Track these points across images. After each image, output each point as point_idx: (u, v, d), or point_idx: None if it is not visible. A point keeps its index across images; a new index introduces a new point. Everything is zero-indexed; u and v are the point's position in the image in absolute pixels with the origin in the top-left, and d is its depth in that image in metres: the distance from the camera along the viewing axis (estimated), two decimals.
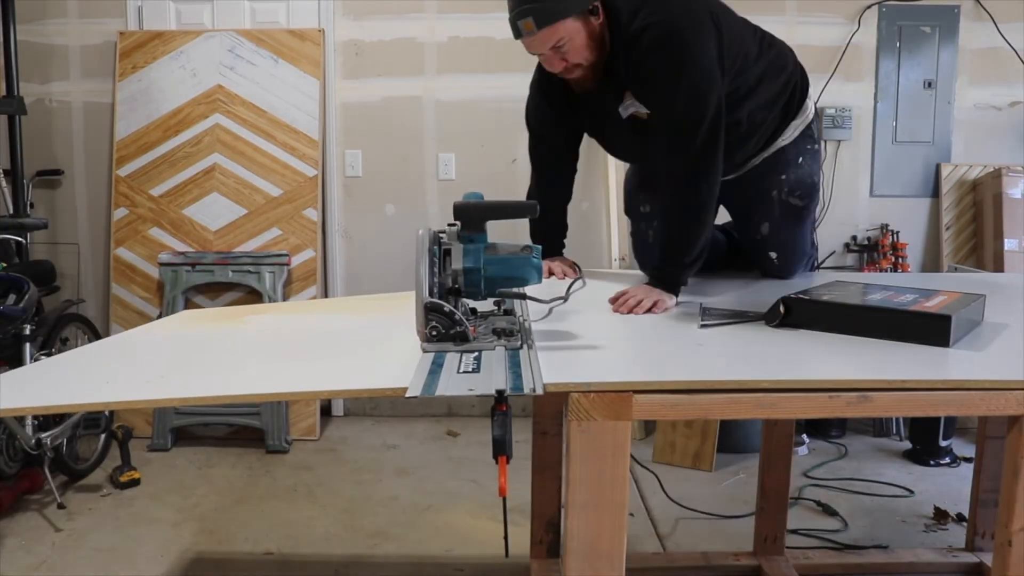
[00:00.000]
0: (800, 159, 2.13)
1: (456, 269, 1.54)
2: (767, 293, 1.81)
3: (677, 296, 1.84)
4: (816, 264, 2.44)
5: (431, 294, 1.50)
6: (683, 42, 1.83)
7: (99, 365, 1.72)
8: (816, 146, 2.17)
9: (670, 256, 1.88)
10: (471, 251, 1.56)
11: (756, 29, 2.08)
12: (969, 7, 3.87)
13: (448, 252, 1.56)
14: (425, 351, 1.48)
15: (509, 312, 1.72)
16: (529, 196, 2.19)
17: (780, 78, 2.06)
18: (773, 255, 2.18)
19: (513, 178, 3.85)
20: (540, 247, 1.61)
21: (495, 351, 1.48)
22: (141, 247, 3.80)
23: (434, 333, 1.49)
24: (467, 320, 1.52)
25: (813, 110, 2.17)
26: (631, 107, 1.96)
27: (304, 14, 3.91)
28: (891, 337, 1.49)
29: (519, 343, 1.50)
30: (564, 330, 1.61)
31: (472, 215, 1.56)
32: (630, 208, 2.35)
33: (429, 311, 1.48)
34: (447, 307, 1.49)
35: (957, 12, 3.87)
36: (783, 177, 2.12)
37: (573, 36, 1.84)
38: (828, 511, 2.93)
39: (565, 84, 2.01)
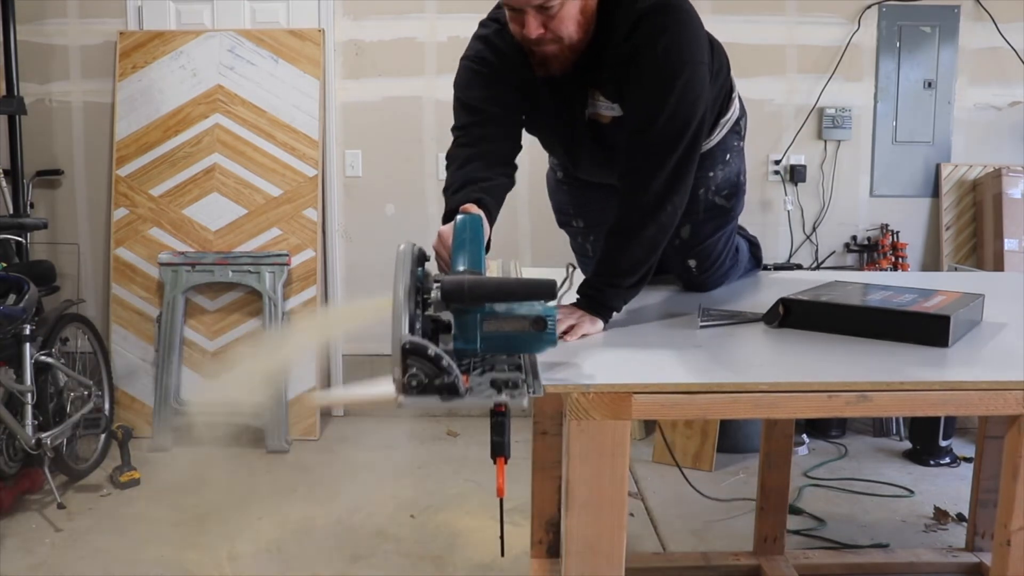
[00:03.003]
0: (728, 156, 1.94)
1: (448, 349, 1.20)
2: (766, 294, 1.81)
3: (606, 321, 1.58)
4: (759, 265, 2.24)
5: (412, 330, 1.17)
6: (691, 35, 1.58)
7: None
8: (741, 143, 1.97)
9: (610, 276, 1.59)
10: (464, 328, 1.22)
11: None
12: (969, 7, 3.87)
13: (432, 309, 1.24)
14: (400, 405, 1.16)
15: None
16: (448, 188, 1.67)
17: (719, 78, 1.84)
18: (692, 263, 1.95)
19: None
20: (555, 310, 1.26)
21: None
22: (141, 247, 3.80)
23: (414, 383, 1.14)
24: (457, 367, 1.14)
25: (739, 105, 1.97)
26: (592, 107, 1.69)
27: (304, 14, 3.91)
28: (890, 337, 1.49)
29: (524, 399, 1.15)
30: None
31: (467, 298, 1.20)
32: (563, 223, 2.14)
33: (408, 354, 1.14)
34: (432, 350, 1.13)
35: (957, 12, 3.87)
36: (711, 174, 1.90)
37: (567, 1, 1.53)
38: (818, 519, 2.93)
39: (524, 58, 1.65)
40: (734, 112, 1.97)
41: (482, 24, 1.76)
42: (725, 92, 1.91)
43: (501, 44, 1.68)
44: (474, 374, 1.23)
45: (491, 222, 1.59)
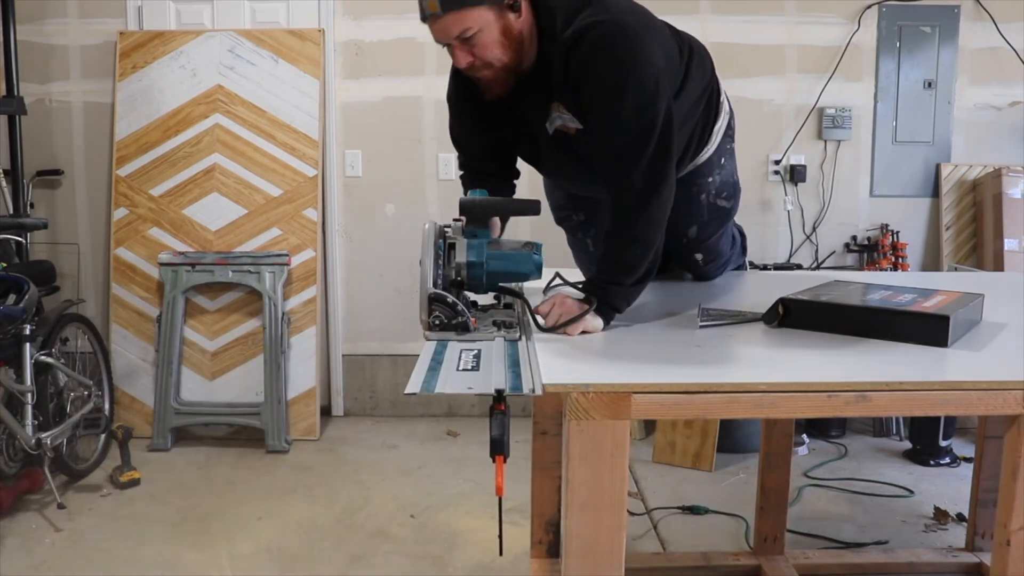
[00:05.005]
0: (723, 159, 2.03)
1: (460, 263, 1.60)
2: (765, 293, 1.81)
3: (609, 321, 1.60)
4: (744, 253, 2.36)
5: (435, 285, 1.56)
6: (630, 41, 1.59)
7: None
8: (733, 144, 2.08)
9: (611, 275, 1.63)
10: (475, 246, 1.60)
11: (674, 30, 1.89)
12: (969, 7, 3.87)
13: (452, 246, 1.61)
14: (427, 339, 1.55)
15: (509, 306, 1.75)
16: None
17: (701, 82, 1.89)
18: (699, 256, 2.10)
19: None
20: (541, 244, 1.64)
21: (495, 343, 1.51)
22: (141, 247, 3.80)
23: (436, 322, 1.56)
24: (468, 311, 1.57)
25: (728, 107, 2.03)
26: (557, 120, 1.73)
27: (304, 14, 3.91)
28: (890, 337, 1.50)
29: (518, 335, 1.55)
30: None
31: (476, 211, 1.60)
32: (562, 220, 2.20)
33: (433, 301, 1.55)
34: (450, 298, 1.55)
35: (957, 12, 3.87)
36: (710, 180, 2.01)
37: (484, 28, 1.58)
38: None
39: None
40: (724, 117, 2.01)
41: None
42: (712, 96, 1.94)
43: (462, 75, 1.75)
44: (480, 319, 1.62)
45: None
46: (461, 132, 1.93)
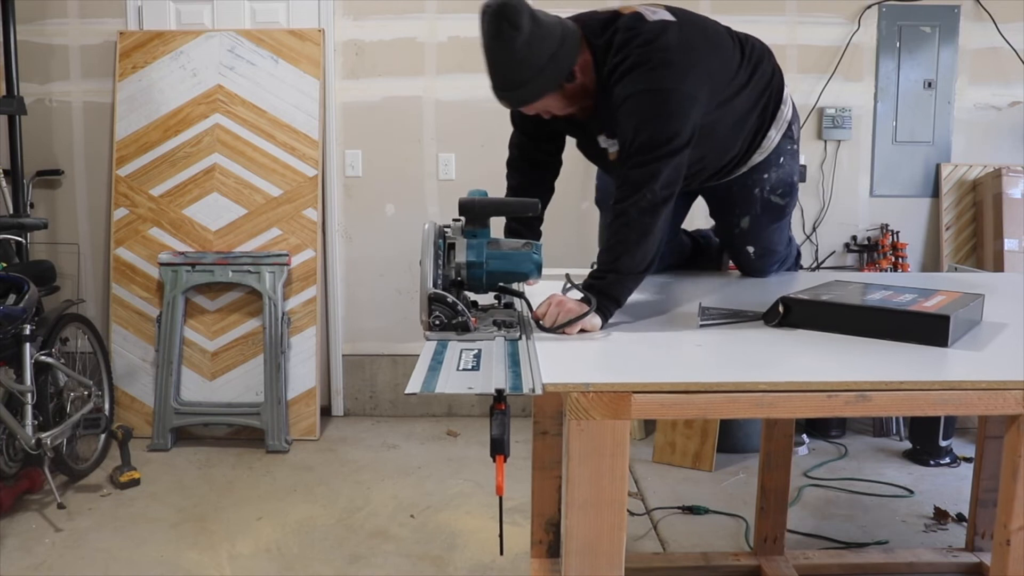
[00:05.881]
0: (781, 159, 2.11)
1: (459, 262, 1.60)
2: (765, 293, 1.80)
3: (608, 317, 1.62)
4: (798, 266, 2.46)
5: (435, 285, 1.56)
6: (655, 72, 1.71)
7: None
8: (795, 146, 2.14)
9: (610, 264, 1.67)
10: (474, 245, 1.60)
11: (735, 37, 2.00)
12: (969, 7, 3.87)
13: (452, 246, 1.61)
14: (428, 339, 1.55)
15: (509, 306, 1.75)
16: (511, 194, 2.09)
17: (758, 88, 1.98)
18: (751, 249, 2.19)
19: None
20: (540, 243, 1.64)
21: (495, 343, 1.51)
22: (141, 247, 3.80)
23: (436, 322, 1.55)
24: (468, 311, 1.57)
25: (792, 110, 2.10)
26: (607, 143, 1.91)
27: (304, 14, 3.91)
28: (890, 337, 1.49)
29: (518, 335, 1.55)
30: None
31: (476, 211, 1.61)
32: (603, 199, 2.24)
33: (433, 301, 1.55)
34: (450, 298, 1.55)
35: (957, 12, 3.87)
36: (766, 176, 2.11)
37: (549, 105, 1.80)
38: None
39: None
40: (784, 123, 2.08)
41: None
42: (770, 101, 2.02)
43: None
44: (481, 319, 1.62)
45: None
46: (525, 118, 1.98)
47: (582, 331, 1.55)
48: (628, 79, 1.71)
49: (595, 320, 1.57)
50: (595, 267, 1.74)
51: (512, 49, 1.70)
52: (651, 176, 1.67)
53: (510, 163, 2.11)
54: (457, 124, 3.94)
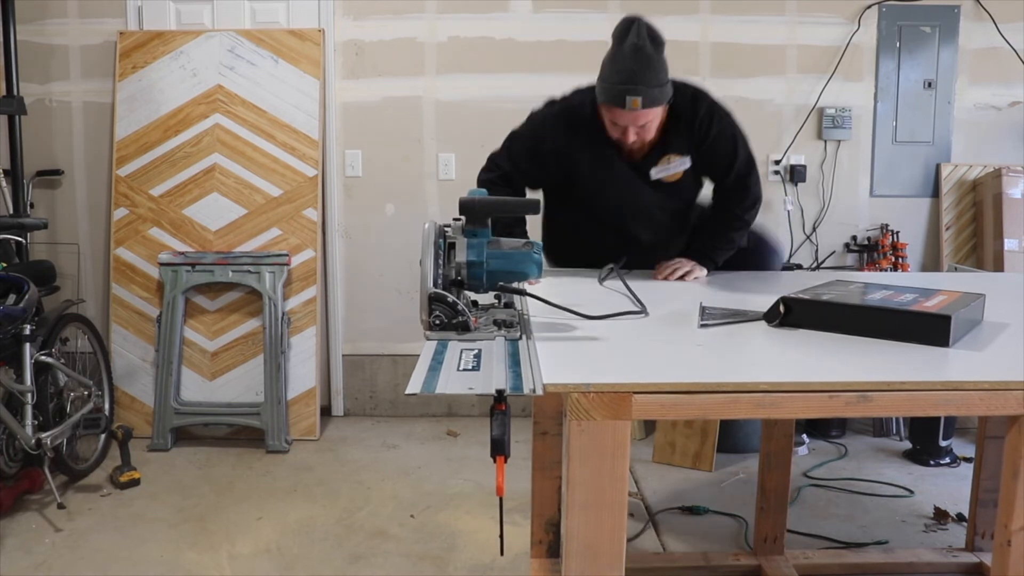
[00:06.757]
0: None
1: (460, 262, 1.60)
2: (765, 293, 1.80)
3: (711, 270, 2.33)
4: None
5: (435, 285, 1.57)
6: (731, 118, 2.36)
7: None
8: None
9: (721, 243, 2.39)
10: (474, 245, 1.61)
11: None
12: (969, 7, 3.87)
13: (452, 245, 1.61)
14: (428, 339, 1.55)
15: (509, 305, 1.76)
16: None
17: None
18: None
19: None
20: (540, 243, 1.65)
21: (495, 342, 1.51)
22: (141, 247, 3.80)
23: (437, 322, 1.56)
24: (469, 311, 1.58)
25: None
26: (663, 171, 2.35)
27: (304, 14, 3.91)
28: (891, 337, 1.49)
29: (518, 334, 1.57)
30: (563, 322, 1.61)
31: (476, 210, 1.61)
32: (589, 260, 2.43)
33: (433, 301, 1.56)
34: (450, 298, 1.56)
35: (957, 12, 3.87)
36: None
37: (655, 119, 2.22)
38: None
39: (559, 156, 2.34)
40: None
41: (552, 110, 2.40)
42: None
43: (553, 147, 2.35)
44: (481, 319, 1.63)
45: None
46: (516, 169, 2.38)
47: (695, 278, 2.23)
48: (718, 127, 2.32)
49: (703, 271, 2.29)
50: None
51: (660, 57, 2.13)
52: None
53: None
54: (457, 124, 3.94)
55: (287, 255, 3.72)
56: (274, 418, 3.60)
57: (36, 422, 2.84)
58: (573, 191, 2.41)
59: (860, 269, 3.91)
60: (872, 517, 2.92)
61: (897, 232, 3.91)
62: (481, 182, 2.36)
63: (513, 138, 2.41)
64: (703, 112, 2.29)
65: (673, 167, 2.34)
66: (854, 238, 4.00)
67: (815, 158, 3.97)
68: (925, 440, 3.44)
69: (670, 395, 1.23)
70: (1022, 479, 1.28)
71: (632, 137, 2.22)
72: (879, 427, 3.78)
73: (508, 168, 2.37)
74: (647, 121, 2.18)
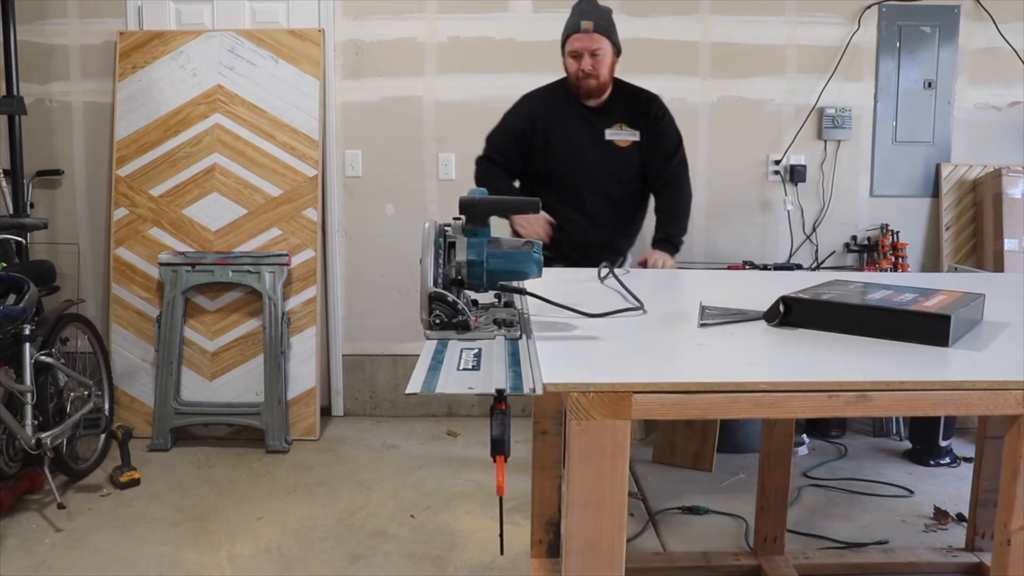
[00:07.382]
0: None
1: (460, 261, 1.60)
2: (765, 293, 1.80)
3: (675, 254, 2.90)
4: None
5: (435, 284, 1.57)
6: (677, 128, 3.05)
7: None
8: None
9: (675, 226, 2.95)
10: (475, 244, 1.60)
11: None
12: (969, 7, 3.87)
13: (453, 245, 1.61)
14: (428, 338, 1.56)
15: (509, 304, 1.76)
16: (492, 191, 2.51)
17: None
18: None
19: None
20: (540, 243, 1.65)
21: (495, 342, 1.51)
22: (141, 247, 3.80)
23: (437, 321, 1.56)
24: (469, 310, 1.58)
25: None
26: (616, 135, 2.96)
27: (304, 14, 3.92)
28: (891, 337, 1.49)
29: (518, 333, 1.57)
30: (563, 321, 1.61)
31: (477, 210, 1.61)
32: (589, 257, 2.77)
33: (433, 300, 1.56)
34: (450, 297, 1.56)
35: (957, 12, 3.87)
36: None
37: (607, 54, 2.84)
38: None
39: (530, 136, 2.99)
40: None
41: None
42: None
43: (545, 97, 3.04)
44: (481, 318, 1.63)
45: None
46: (506, 144, 3.06)
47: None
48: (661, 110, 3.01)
49: (671, 260, 2.82)
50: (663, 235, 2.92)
51: (608, 9, 2.91)
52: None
53: (485, 172, 3.07)
54: (457, 124, 3.93)
55: (287, 255, 3.73)
56: (274, 418, 3.60)
57: (36, 422, 2.84)
58: (543, 167, 2.98)
59: (860, 269, 3.91)
60: (872, 517, 2.92)
61: (897, 232, 3.91)
62: (477, 161, 3.06)
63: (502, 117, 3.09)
64: (656, 106, 2.98)
65: (624, 134, 2.94)
66: (854, 238, 4.00)
67: (815, 158, 3.97)
68: (925, 440, 3.44)
69: (670, 395, 1.23)
70: (1022, 479, 1.28)
71: (588, 63, 2.80)
72: (879, 427, 3.78)
73: (498, 139, 3.05)
74: (599, 47, 2.79)
